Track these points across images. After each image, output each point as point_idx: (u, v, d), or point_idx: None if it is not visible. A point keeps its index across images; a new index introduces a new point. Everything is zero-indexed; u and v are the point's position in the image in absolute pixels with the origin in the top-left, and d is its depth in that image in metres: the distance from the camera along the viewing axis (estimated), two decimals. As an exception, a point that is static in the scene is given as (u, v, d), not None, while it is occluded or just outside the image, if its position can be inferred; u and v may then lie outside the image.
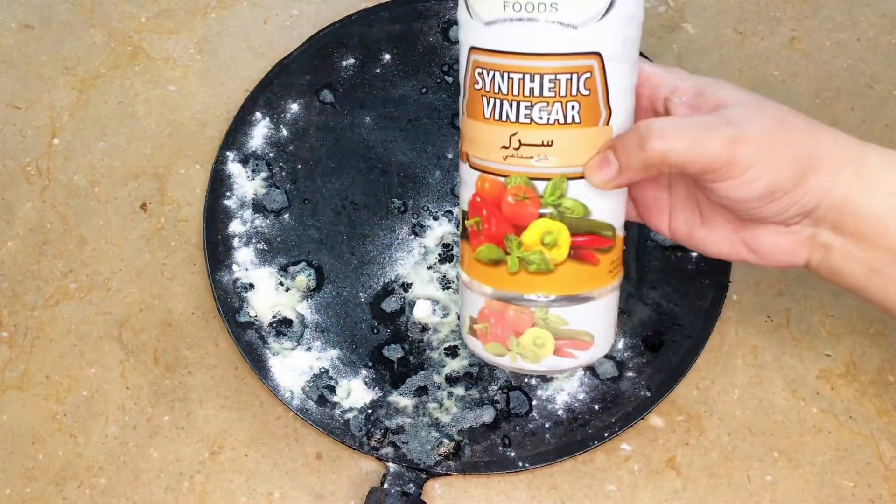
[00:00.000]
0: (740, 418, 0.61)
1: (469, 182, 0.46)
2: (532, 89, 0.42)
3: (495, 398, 0.61)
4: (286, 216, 0.67)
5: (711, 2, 0.75)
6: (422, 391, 0.61)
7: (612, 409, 0.60)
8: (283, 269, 0.65)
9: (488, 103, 0.43)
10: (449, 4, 0.72)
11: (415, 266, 0.65)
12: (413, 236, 0.66)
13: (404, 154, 0.68)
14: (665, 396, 0.60)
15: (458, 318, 0.61)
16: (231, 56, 0.73)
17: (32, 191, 0.69)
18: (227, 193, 0.67)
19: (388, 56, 0.71)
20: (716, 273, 0.64)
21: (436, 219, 0.66)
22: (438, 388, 0.61)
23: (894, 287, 0.44)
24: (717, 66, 0.72)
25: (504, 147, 0.43)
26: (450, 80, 0.70)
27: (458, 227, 0.62)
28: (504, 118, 0.43)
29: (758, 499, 0.59)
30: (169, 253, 0.67)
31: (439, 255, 0.65)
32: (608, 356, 0.62)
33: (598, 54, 0.42)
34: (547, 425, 0.60)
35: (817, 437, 0.61)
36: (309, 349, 0.62)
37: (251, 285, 0.64)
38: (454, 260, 0.65)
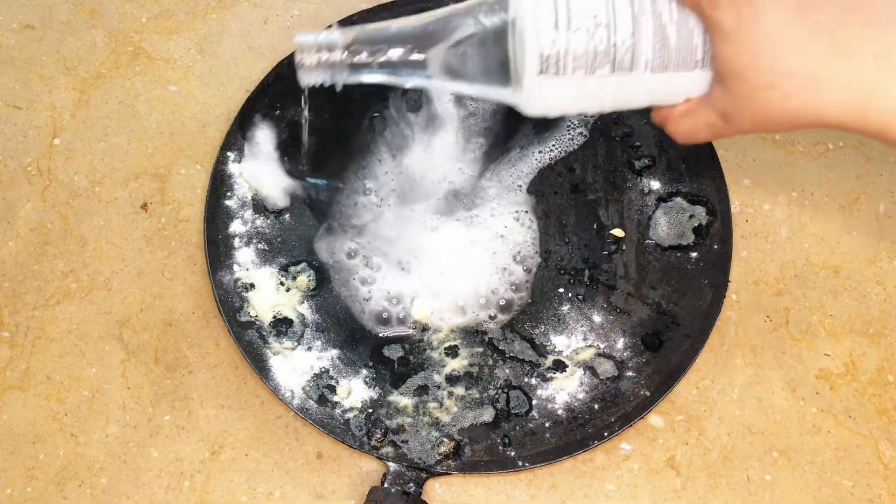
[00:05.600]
0: (740, 418, 0.62)
1: None
2: None
3: (495, 398, 0.61)
4: (286, 216, 0.67)
5: (711, 2, 0.75)
6: (422, 391, 0.61)
7: (611, 409, 0.60)
8: (284, 268, 0.65)
9: None
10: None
11: (415, 266, 0.65)
12: (413, 236, 0.66)
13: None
14: (665, 396, 0.61)
15: None
16: (231, 56, 0.73)
17: (33, 191, 0.69)
18: (228, 193, 0.67)
19: (388, 56, 0.71)
20: (715, 273, 0.64)
21: (436, 219, 0.67)
22: (438, 387, 0.61)
23: None
24: (717, 67, 0.72)
25: None
26: (450, 80, 0.70)
27: None
28: None
29: (757, 498, 0.60)
30: (170, 253, 0.67)
31: (439, 255, 0.65)
32: (608, 356, 0.62)
33: None
34: (547, 425, 0.60)
35: (817, 436, 0.61)
36: (309, 349, 0.63)
37: (252, 285, 0.64)
38: (454, 260, 0.65)
